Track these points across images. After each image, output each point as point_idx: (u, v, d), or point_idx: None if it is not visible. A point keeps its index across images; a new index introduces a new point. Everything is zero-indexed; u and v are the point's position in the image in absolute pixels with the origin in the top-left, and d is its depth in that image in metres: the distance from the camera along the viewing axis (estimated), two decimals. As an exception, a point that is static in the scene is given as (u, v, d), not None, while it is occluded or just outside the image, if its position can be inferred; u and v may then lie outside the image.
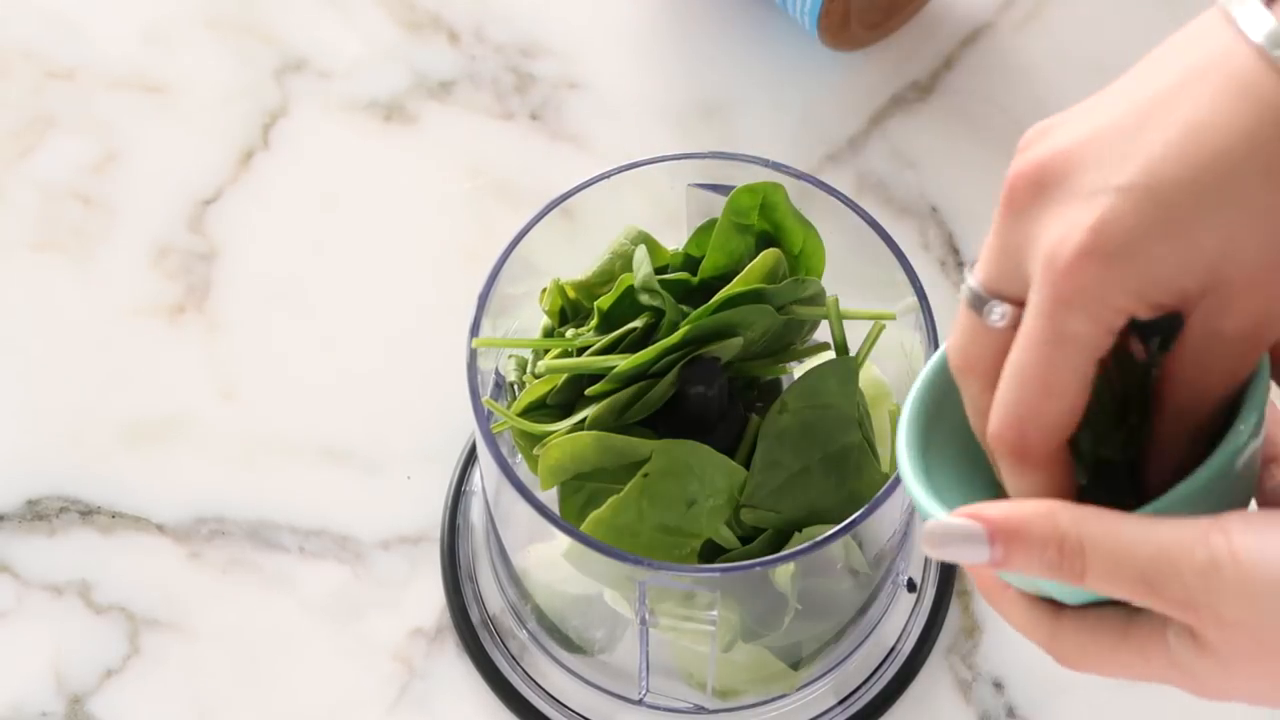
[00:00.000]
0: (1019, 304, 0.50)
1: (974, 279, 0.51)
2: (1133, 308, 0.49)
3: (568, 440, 0.66)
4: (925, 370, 0.55)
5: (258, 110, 0.89)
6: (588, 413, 0.66)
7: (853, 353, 0.69)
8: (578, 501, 0.67)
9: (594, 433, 0.66)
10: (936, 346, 0.66)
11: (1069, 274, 0.48)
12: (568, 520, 0.67)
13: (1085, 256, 0.48)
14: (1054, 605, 0.51)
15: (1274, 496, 0.52)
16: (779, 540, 0.67)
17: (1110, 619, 0.50)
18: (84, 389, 0.82)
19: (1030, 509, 0.49)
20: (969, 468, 0.54)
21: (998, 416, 0.50)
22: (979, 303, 0.51)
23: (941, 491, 0.52)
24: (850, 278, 0.71)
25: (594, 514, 0.65)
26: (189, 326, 0.84)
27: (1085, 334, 0.49)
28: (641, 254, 0.67)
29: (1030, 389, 0.50)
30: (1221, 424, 0.51)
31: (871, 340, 0.69)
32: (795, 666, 0.72)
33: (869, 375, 0.71)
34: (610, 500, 0.65)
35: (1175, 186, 0.48)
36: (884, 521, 0.68)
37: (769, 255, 0.67)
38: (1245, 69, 0.48)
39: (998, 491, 0.52)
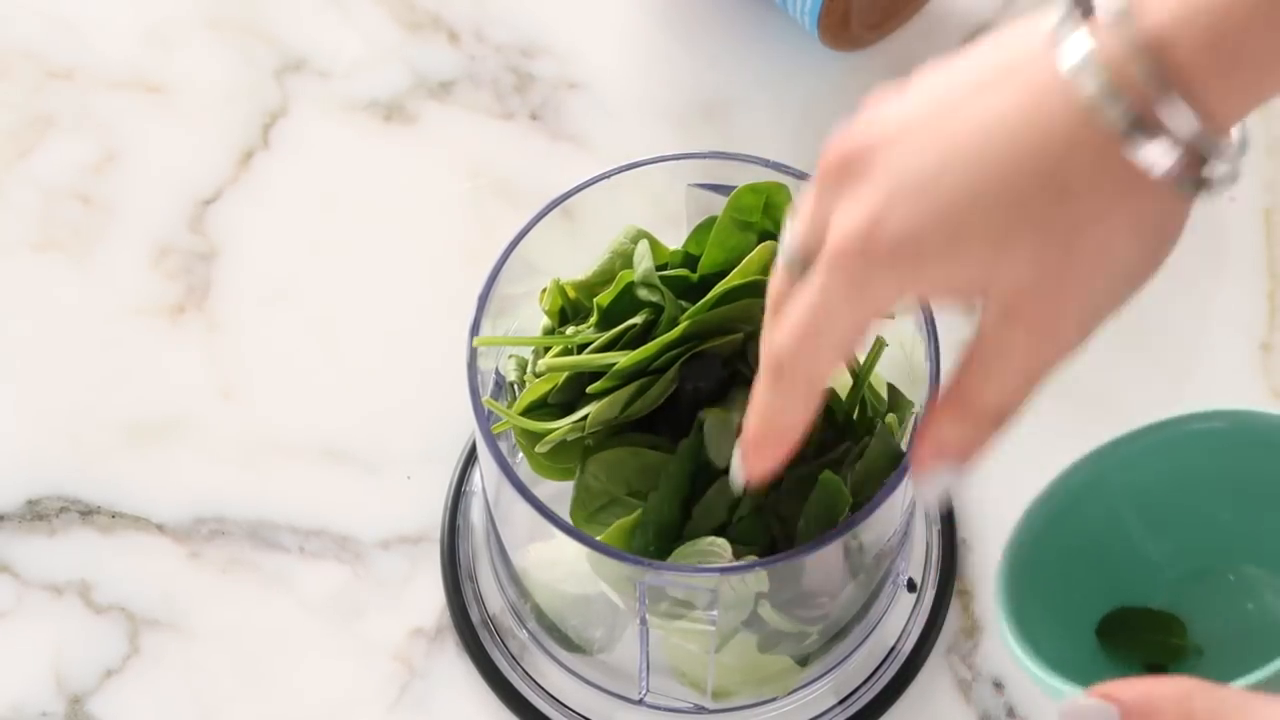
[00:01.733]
0: None
1: (789, 240, 0.55)
2: (898, 297, 0.51)
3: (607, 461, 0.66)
4: (1010, 542, 0.55)
5: (258, 110, 0.89)
6: (589, 410, 0.66)
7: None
8: (591, 504, 0.67)
9: (631, 449, 0.66)
10: (936, 345, 0.66)
11: (839, 262, 0.51)
12: (575, 520, 0.67)
13: (858, 250, 0.51)
14: None
15: None
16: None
17: None
18: (84, 389, 0.82)
19: (1165, 690, 0.48)
20: (1062, 616, 0.54)
21: (767, 340, 0.55)
22: (790, 260, 0.55)
23: (1038, 641, 0.52)
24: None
25: (619, 523, 0.66)
26: (189, 326, 0.84)
27: (845, 314, 0.52)
28: (643, 248, 0.67)
29: (791, 334, 0.54)
30: None
31: (875, 356, 0.69)
32: (803, 663, 0.72)
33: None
34: (631, 517, 0.66)
35: (955, 189, 0.49)
36: (884, 521, 0.67)
37: (767, 247, 0.67)
38: (1046, 81, 0.48)
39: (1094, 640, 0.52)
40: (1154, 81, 0.47)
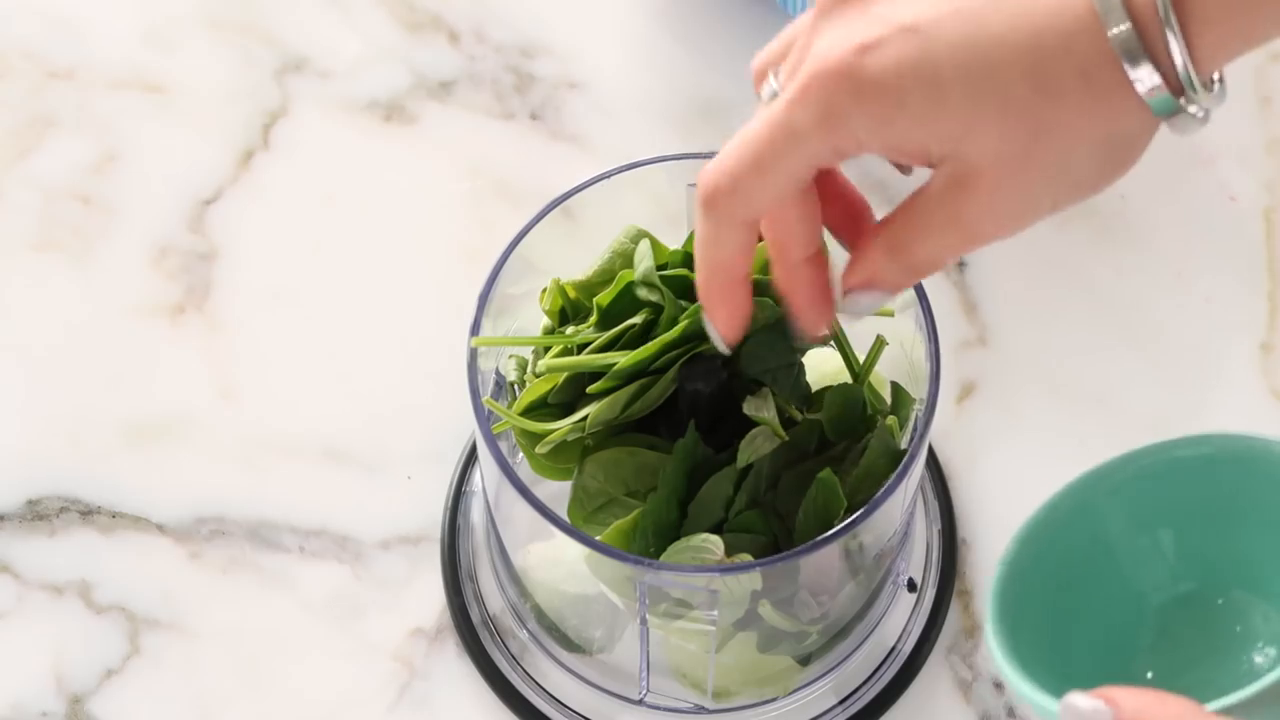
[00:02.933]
0: None
1: (757, 59, 0.55)
2: (866, 140, 0.52)
3: (601, 462, 0.66)
4: (999, 572, 0.55)
5: (258, 110, 0.89)
6: (589, 410, 0.66)
7: (851, 345, 0.69)
8: (589, 505, 0.67)
9: (628, 449, 0.66)
10: (936, 345, 0.66)
11: (821, 80, 0.51)
12: (573, 520, 0.67)
13: (842, 73, 0.51)
14: None
15: None
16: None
17: None
18: (84, 389, 0.82)
19: (1162, 710, 0.48)
20: (1053, 642, 0.54)
21: (711, 163, 0.54)
22: (759, 79, 0.55)
23: (1031, 665, 0.52)
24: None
25: (618, 524, 0.66)
26: (189, 326, 0.84)
27: (810, 138, 0.52)
28: (644, 248, 0.67)
29: (740, 154, 0.53)
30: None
31: (874, 355, 0.68)
32: (803, 663, 0.72)
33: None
34: (630, 518, 0.66)
35: (948, 48, 0.50)
36: (884, 521, 0.67)
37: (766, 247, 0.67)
38: None
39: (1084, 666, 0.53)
40: (1162, 9, 0.49)
